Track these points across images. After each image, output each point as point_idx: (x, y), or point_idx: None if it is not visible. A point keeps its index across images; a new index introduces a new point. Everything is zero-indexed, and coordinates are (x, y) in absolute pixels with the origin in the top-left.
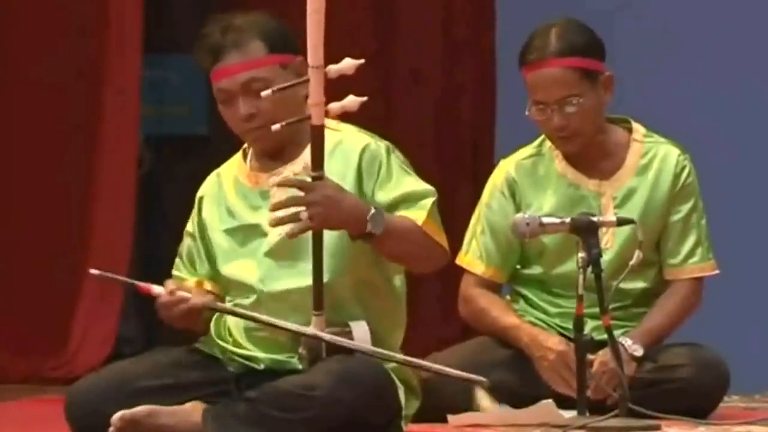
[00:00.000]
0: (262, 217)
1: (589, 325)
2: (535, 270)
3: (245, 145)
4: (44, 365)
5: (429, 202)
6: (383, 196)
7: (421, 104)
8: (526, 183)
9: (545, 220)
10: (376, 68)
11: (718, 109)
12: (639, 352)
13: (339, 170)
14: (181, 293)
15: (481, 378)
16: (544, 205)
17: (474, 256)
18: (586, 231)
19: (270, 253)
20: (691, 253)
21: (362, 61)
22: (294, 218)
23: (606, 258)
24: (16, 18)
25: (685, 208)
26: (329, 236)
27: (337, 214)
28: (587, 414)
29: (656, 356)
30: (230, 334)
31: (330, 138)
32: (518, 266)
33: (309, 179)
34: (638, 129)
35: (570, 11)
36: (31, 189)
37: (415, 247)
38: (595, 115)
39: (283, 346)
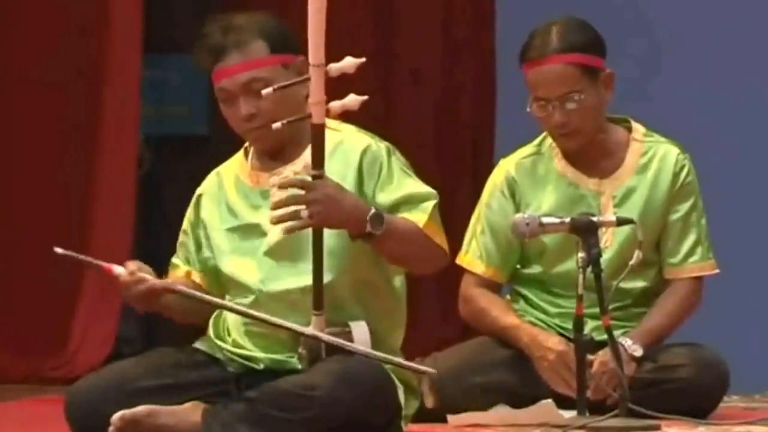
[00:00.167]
0: (263, 217)
1: (589, 325)
2: (535, 270)
3: (246, 144)
4: (44, 365)
5: (430, 204)
6: (384, 197)
7: (421, 104)
8: (526, 182)
9: (545, 219)
10: (376, 68)
11: (718, 109)
12: (639, 352)
13: (339, 170)
14: (141, 274)
15: (431, 369)
16: (544, 204)
17: (474, 255)
18: (585, 231)
19: (269, 253)
20: (690, 252)
21: (363, 59)
22: (294, 216)
23: (605, 257)
24: (16, 18)
25: (685, 207)
26: (329, 236)
27: (338, 213)
28: (587, 414)
29: (656, 356)
30: (229, 334)
31: (331, 138)
32: (518, 266)
33: (309, 178)
34: (638, 128)
35: (570, 11)
36: (31, 189)
37: (415, 248)
38: (595, 112)
39: (282, 346)
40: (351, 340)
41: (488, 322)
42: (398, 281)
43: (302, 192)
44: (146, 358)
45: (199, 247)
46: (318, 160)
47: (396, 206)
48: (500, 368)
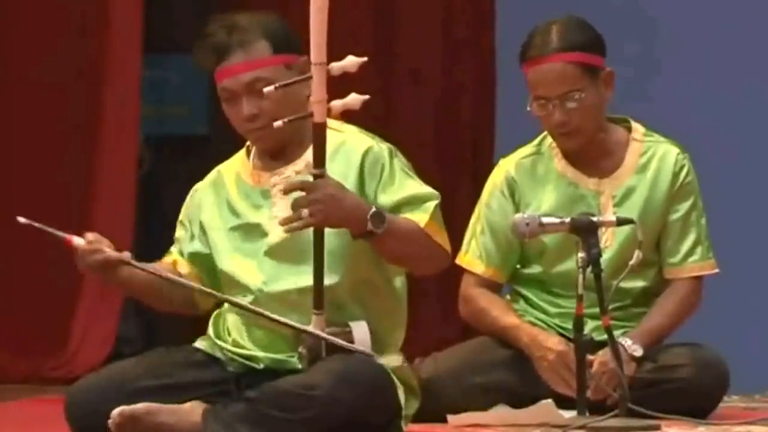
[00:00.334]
0: (263, 216)
1: (589, 325)
2: (535, 269)
3: (248, 143)
4: (44, 365)
5: (432, 204)
6: (386, 198)
7: (421, 104)
8: (526, 182)
9: (545, 219)
10: (377, 68)
11: (718, 109)
12: (639, 352)
13: (341, 171)
14: (98, 245)
15: (372, 353)
16: (544, 204)
17: (474, 255)
18: (585, 231)
19: (270, 253)
20: (690, 252)
21: (365, 58)
22: (297, 216)
23: (605, 257)
24: (16, 18)
25: (685, 206)
26: (329, 237)
27: (339, 211)
28: (587, 414)
29: (656, 356)
30: (229, 334)
31: (333, 139)
32: (518, 266)
33: (311, 178)
34: (637, 128)
35: (570, 11)
36: (31, 189)
37: (416, 248)
38: (596, 111)
39: (283, 345)
40: (351, 340)
41: (488, 322)
42: (399, 282)
43: (304, 194)
44: (146, 358)
45: (192, 237)
46: (319, 159)
47: (398, 207)
48: (500, 368)
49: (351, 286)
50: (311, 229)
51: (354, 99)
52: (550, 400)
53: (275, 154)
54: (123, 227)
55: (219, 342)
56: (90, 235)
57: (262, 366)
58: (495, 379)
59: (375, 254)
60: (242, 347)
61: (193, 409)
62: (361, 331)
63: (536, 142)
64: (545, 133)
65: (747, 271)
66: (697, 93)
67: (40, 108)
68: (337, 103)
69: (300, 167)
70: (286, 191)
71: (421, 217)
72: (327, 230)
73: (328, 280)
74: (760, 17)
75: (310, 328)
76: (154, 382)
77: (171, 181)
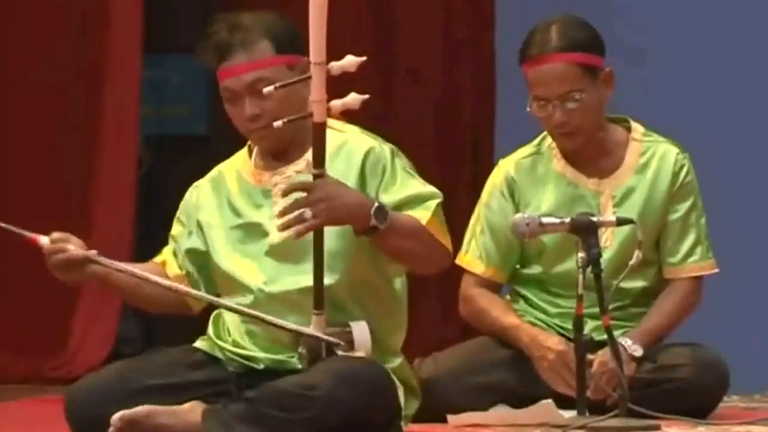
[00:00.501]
0: (264, 216)
1: (589, 325)
2: (535, 269)
3: (250, 142)
4: (44, 365)
5: (434, 203)
6: (388, 198)
7: (421, 104)
8: (526, 182)
9: (545, 219)
10: (376, 68)
11: (718, 109)
12: (638, 352)
13: (342, 171)
14: (62, 244)
15: (340, 341)
16: (543, 204)
17: (474, 256)
18: (585, 231)
19: (270, 253)
20: (690, 252)
21: (364, 58)
22: (301, 219)
23: (605, 257)
24: (16, 18)
25: (684, 206)
26: (330, 237)
27: (342, 208)
28: (587, 414)
29: (656, 356)
30: (229, 334)
31: (334, 139)
32: (518, 266)
33: (311, 177)
34: (637, 128)
35: (570, 11)
36: (31, 189)
37: (418, 245)
38: (596, 111)
39: (283, 346)
40: (351, 340)
41: (488, 322)
42: (399, 283)
43: (305, 194)
44: (146, 358)
45: (189, 234)
46: (319, 159)
47: (400, 206)
48: (500, 368)
49: (350, 286)
50: None
51: (354, 99)
52: (550, 400)
53: (277, 154)
54: (123, 227)
55: (219, 342)
56: (56, 234)
57: (262, 366)
58: (495, 379)
59: (375, 254)
60: (242, 347)
61: (192, 409)
62: (361, 331)
63: (536, 142)
64: (545, 133)
65: (747, 271)
66: (696, 93)
67: (40, 108)
68: (336, 103)
69: (301, 167)
70: (286, 193)
71: (423, 214)
72: (327, 230)
73: (328, 280)
74: (760, 17)
75: (309, 330)
76: (154, 382)
77: (171, 181)
